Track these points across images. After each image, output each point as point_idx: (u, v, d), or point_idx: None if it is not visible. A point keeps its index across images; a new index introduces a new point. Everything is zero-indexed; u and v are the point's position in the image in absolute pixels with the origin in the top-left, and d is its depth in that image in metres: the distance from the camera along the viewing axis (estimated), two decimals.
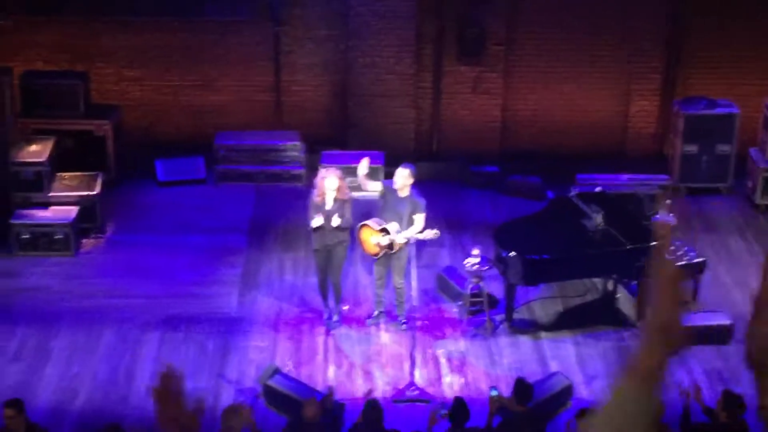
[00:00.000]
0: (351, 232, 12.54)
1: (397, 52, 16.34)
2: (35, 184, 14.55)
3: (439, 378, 11.87)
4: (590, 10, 16.53)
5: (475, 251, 12.45)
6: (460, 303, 12.93)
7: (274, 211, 15.56)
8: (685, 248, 13.42)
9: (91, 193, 14.62)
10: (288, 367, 11.86)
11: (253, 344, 12.44)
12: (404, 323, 12.55)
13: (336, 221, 12.10)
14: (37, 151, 14.78)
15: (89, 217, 14.57)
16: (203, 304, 13.21)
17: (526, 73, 16.86)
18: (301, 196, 14.82)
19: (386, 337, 12.59)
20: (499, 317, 12.83)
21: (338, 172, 12.34)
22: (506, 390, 10.55)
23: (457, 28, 16.40)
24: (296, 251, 14.41)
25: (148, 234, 14.83)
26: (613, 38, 16.64)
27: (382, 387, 11.66)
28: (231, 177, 16.27)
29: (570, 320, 12.98)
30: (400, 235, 12.04)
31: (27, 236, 14.09)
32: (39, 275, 13.76)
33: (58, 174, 14.93)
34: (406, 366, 11.77)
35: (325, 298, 12.74)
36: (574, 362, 12.17)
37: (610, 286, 13.29)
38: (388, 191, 12.28)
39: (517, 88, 16.92)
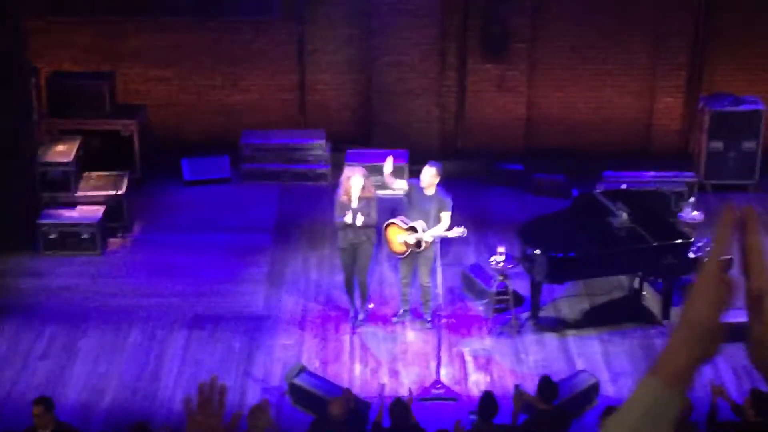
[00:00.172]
0: (377, 230, 12.55)
1: (421, 50, 16.34)
2: (62, 184, 14.64)
3: (464, 376, 11.87)
4: (614, 7, 16.49)
5: (501, 249, 12.43)
6: (485, 301, 12.92)
7: (299, 209, 15.59)
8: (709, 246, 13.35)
9: (117, 192, 14.69)
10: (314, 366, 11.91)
11: (279, 343, 12.48)
12: (429, 321, 12.55)
13: (362, 219, 12.11)
14: (64, 151, 14.86)
15: (116, 216, 14.64)
16: (229, 302, 13.26)
17: (550, 70, 16.84)
18: (326, 194, 14.88)
19: (412, 336, 12.60)
20: (524, 315, 12.82)
21: (363, 171, 12.36)
22: (531, 388, 10.54)
23: (482, 26, 16.38)
24: (321, 249, 14.45)
25: (174, 233, 14.89)
26: (638, 35, 16.60)
27: (407, 385, 11.67)
28: (256, 176, 16.32)
29: (596, 318, 12.95)
30: (427, 233, 12.04)
31: (54, 236, 14.18)
32: (66, 275, 13.83)
33: (85, 174, 15.02)
34: (432, 364, 11.78)
35: (350, 296, 12.76)
36: (601, 360, 12.14)
37: (636, 283, 13.25)
38: (414, 189, 12.28)
39: (541, 86, 16.89)
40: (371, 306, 13.01)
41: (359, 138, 16.77)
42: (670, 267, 12.40)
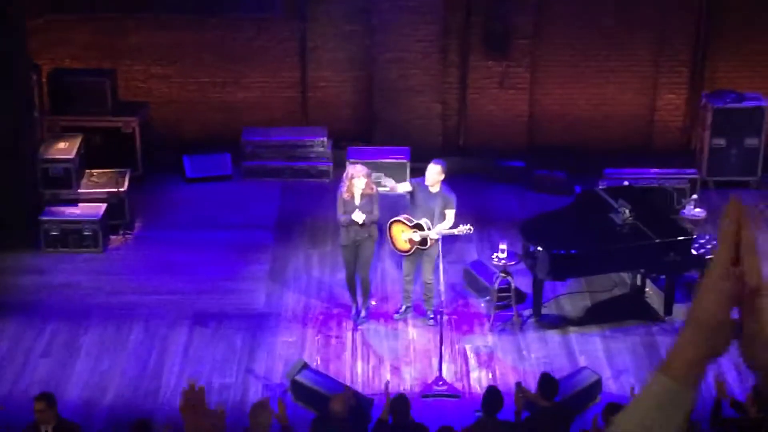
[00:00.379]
0: (379, 227, 12.55)
1: (423, 47, 16.33)
2: (64, 181, 14.64)
3: (467, 373, 11.86)
4: (617, 4, 16.47)
5: (503, 246, 12.42)
6: (487, 298, 12.91)
7: (300, 206, 15.58)
8: (714, 242, 13.35)
9: (119, 189, 14.69)
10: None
11: (281, 340, 12.47)
12: (432, 318, 12.55)
13: (364, 217, 12.10)
14: (66, 148, 14.86)
15: (117, 213, 14.64)
16: (231, 300, 13.25)
17: (552, 67, 16.82)
18: (328, 191, 14.87)
19: (414, 333, 12.60)
20: (526, 312, 12.81)
21: (365, 170, 12.34)
22: (533, 385, 10.52)
23: (484, 23, 16.37)
24: (323, 247, 14.44)
25: (175, 230, 14.88)
26: (641, 31, 16.58)
27: (410, 382, 11.67)
28: (258, 173, 16.31)
29: (598, 315, 12.94)
30: (432, 230, 12.03)
31: (56, 233, 14.18)
32: (68, 272, 13.83)
33: (87, 171, 15.02)
34: (434, 361, 11.77)
35: (353, 293, 12.75)
36: (603, 357, 12.13)
37: (638, 280, 13.24)
38: (418, 187, 12.27)
39: (543, 83, 16.88)
40: (373, 303, 13.00)
41: (361, 135, 16.76)
42: (673, 264, 12.39)
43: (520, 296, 12.89)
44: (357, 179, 12.13)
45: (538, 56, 16.68)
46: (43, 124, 15.49)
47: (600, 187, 14.07)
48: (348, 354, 12.21)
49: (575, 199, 14.06)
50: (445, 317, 12.15)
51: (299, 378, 11.37)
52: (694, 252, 12.82)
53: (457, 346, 12.30)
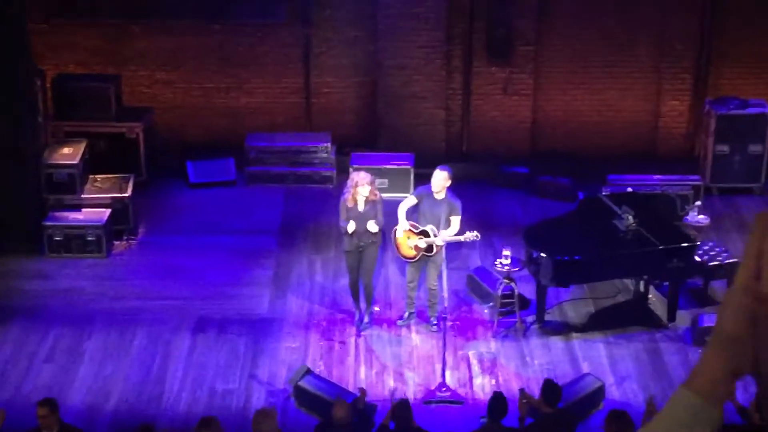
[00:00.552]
0: (383, 233, 12.56)
1: (426, 53, 16.34)
2: (68, 187, 14.64)
3: (470, 379, 11.86)
4: (620, 10, 16.46)
5: (506, 252, 12.42)
6: (491, 304, 12.91)
7: (304, 212, 15.59)
8: (718, 249, 13.36)
9: (123, 195, 14.70)
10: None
11: (285, 345, 12.47)
12: (435, 324, 12.54)
13: (370, 225, 12.10)
14: (70, 154, 14.87)
15: (121, 219, 14.65)
16: (234, 305, 13.26)
17: (556, 73, 16.82)
18: (331, 197, 14.87)
19: (417, 339, 12.60)
20: (530, 318, 12.80)
21: (369, 177, 12.33)
22: (537, 391, 10.52)
23: (487, 29, 16.37)
24: (327, 252, 14.44)
25: (179, 235, 14.89)
26: (644, 38, 16.58)
27: (413, 388, 11.67)
28: (261, 179, 16.31)
29: (601, 321, 12.93)
30: (438, 237, 12.03)
31: (60, 238, 14.19)
32: (71, 277, 13.84)
33: (91, 176, 15.03)
34: (437, 367, 11.77)
35: (356, 299, 12.75)
36: (606, 363, 12.13)
37: (641, 287, 13.23)
38: (423, 196, 12.25)
39: (547, 89, 16.88)
40: (377, 309, 13.00)
41: (364, 141, 16.76)
42: (676, 270, 12.39)
43: (524, 302, 12.89)
44: (362, 187, 12.13)
45: (541, 62, 16.68)
46: (47, 130, 15.48)
47: (603, 193, 14.07)
48: (351, 360, 12.21)
49: (578, 206, 14.05)
50: (449, 323, 12.15)
51: (302, 384, 11.37)
52: (697, 259, 12.82)
53: (460, 353, 12.30)
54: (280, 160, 16.33)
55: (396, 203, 13.21)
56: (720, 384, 2.26)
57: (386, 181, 15.55)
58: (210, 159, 16.39)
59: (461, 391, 11.60)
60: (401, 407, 9.85)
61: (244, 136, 16.44)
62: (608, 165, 15.74)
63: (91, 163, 15.09)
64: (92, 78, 16.14)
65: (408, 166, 15.83)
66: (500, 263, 12.42)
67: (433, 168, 12.45)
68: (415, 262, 12.35)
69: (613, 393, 11.56)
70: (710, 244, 13.49)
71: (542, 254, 12.16)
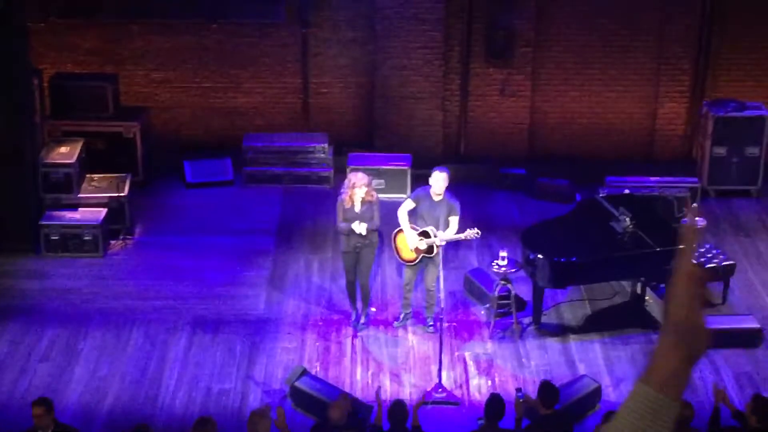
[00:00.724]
0: (380, 234, 12.54)
1: (425, 54, 16.33)
2: (64, 186, 14.63)
3: (466, 380, 11.85)
4: (619, 13, 16.47)
5: (503, 253, 12.41)
6: (487, 305, 12.90)
7: (301, 212, 15.58)
8: (715, 251, 13.36)
9: (119, 194, 14.68)
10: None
11: (281, 346, 12.46)
12: (431, 325, 12.54)
13: (364, 227, 12.08)
14: (67, 153, 14.85)
15: (118, 218, 14.64)
16: (231, 305, 13.24)
17: (554, 75, 16.82)
18: (329, 197, 14.87)
19: (414, 339, 12.59)
20: (526, 320, 12.80)
21: (367, 178, 12.31)
22: (533, 393, 10.52)
23: (486, 31, 16.37)
24: (324, 253, 14.44)
25: (176, 235, 14.88)
26: (642, 40, 16.58)
27: (409, 389, 11.66)
28: (259, 179, 16.31)
29: (598, 323, 12.93)
30: (439, 237, 12.02)
31: (56, 237, 14.18)
32: (68, 276, 13.82)
33: (88, 175, 15.02)
34: (434, 368, 11.76)
35: (353, 300, 12.75)
36: (602, 365, 12.12)
37: (638, 289, 13.23)
38: (421, 198, 12.22)
39: (545, 90, 16.87)
40: (373, 310, 13.00)
41: (362, 141, 16.76)
42: (673, 272, 12.35)
43: (520, 304, 12.88)
44: (358, 188, 12.12)
45: (539, 64, 16.68)
46: (45, 129, 15.48)
47: (601, 195, 14.06)
48: (347, 360, 12.20)
49: (576, 207, 14.06)
50: (445, 324, 12.14)
51: (298, 384, 11.36)
52: (694, 260, 12.80)
53: (456, 354, 12.29)
54: (277, 160, 16.32)
55: (393, 204, 13.22)
56: (677, 376, 2.29)
57: (383, 181, 15.55)
58: (207, 159, 16.39)
59: (457, 392, 11.59)
60: (397, 408, 9.83)
61: (242, 136, 16.44)
62: (606, 167, 15.74)
63: (88, 163, 15.08)
64: (90, 77, 16.13)
65: (405, 167, 15.83)
66: (497, 264, 12.42)
67: (430, 169, 12.43)
68: (415, 264, 12.33)
69: (610, 395, 11.56)
70: (707, 246, 13.49)
71: (539, 256, 12.15)
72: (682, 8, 16.33)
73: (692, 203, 14.48)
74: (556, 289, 12.84)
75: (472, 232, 11.95)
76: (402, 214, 12.23)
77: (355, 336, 12.61)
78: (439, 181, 12.09)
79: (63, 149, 14.94)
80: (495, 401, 9.92)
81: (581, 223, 13.14)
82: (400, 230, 12.30)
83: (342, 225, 12.22)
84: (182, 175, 16.28)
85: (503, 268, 12.36)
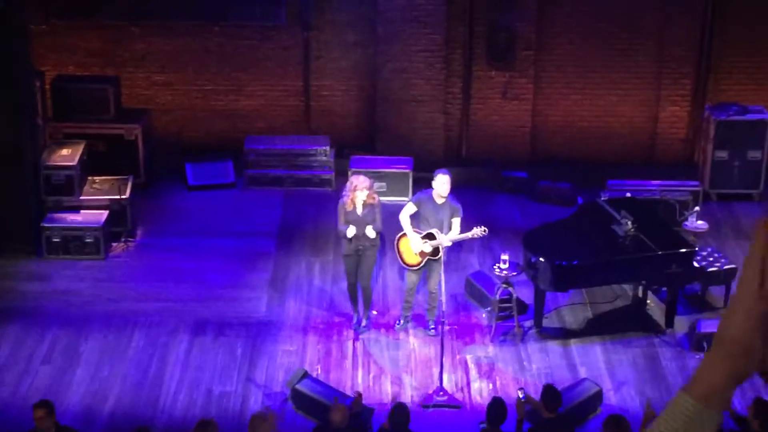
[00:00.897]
0: (381, 236, 12.53)
1: (426, 57, 16.33)
2: (66, 188, 14.63)
3: (467, 383, 11.84)
4: (620, 16, 16.46)
5: (505, 256, 12.41)
6: (489, 308, 12.90)
7: (303, 215, 15.58)
8: (717, 255, 13.35)
9: (121, 196, 14.68)
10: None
11: (282, 348, 12.45)
12: (433, 328, 12.53)
13: (368, 230, 12.08)
14: (68, 155, 14.86)
15: (119, 220, 14.64)
16: (232, 308, 13.24)
17: (556, 78, 16.82)
18: (330, 200, 14.86)
19: (415, 342, 12.58)
20: (528, 323, 12.79)
21: (368, 182, 12.30)
22: (534, 396, 10.50)
23: (487, 33, 16.37)
24: (325, 255, 14.43)
25: (177, 238, 14.87)
26: (644, 44, 16.58)
27: (410, 392, 11.65)
28: (260, 181, 16.30)
29: (599, 326, 12.92)
30: (445, 238, 12.02)
31: (58, 240, 14.17)
32: (69, 278, 13.82)
33: (89, 178, 15.02)
34: (435, 371, 11.75)
35: (354, 302, 12.74)
36: (604, 368, 12.12)
37: (639, 292, 13.22)
38: (423, 202, 12.21)
39: (546, 94, 16.87)
40: (374, 312, 12.99)
41: (364, 144, 16.75)
42: (674, 276, 12.38)
43: (522, 307, 12.88)
44: (359, 191, 12.11)
45: (541, 67, 16.68)
46: (46, 131, 15.49)
47: (602, 198, 14.06)
48: (349, 363, 12.19)
49: (578, 210, 14.06)
50: (447, 327, 12.13)
51: (300, 387, 11.35)
52: (695, 264, 12.81)
53: (458, 357, 12.29)
54: (279, 162, 16.32)
55: (394, 207, 13.21)
56: (721, 390, 2.26)
57: (385, 184, 15.55)
58: (209, 161, 16.39)
59: (459, 396, 11.58)
60: (399, 411, 9.82)
61: (243, 139, 16.43)
62: (608, 170, 15.73)
63: (90, 165, 15.08)
64: (91, 79, 16.13)
65: (407, 170, 15.82)
66: (499, 267, 12.42)
67: (431, 172, 12.41)
68: (419, 268, 12.31)
69: (611, 398, 11.55)
70: (708, 249, 13.48)
71: (541, 259, 12.15)
72: (684, 11, 16.33)
73: (699, 209, 14.43)
74: (557, 292, 12.84)
75: (479, 230, 11.96)
76: (404, 219, 12.22)
77: (356, 339, 12.61)
78: (444, 183, 12.08)
79: (64, 151, 14.95)
80: (497, 405, 9.91)
81: (583, 226, 13.14)
82: (403, 235, 12.28)
83: (343, 228, 12.21)
84: (184, 177, 16.27)
85: (505, 271, 12.36)
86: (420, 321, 12.79)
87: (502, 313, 12.69)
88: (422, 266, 12.25)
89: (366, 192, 12.14)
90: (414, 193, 13.40)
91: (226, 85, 16.92)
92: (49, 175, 14.63)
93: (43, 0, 16.22)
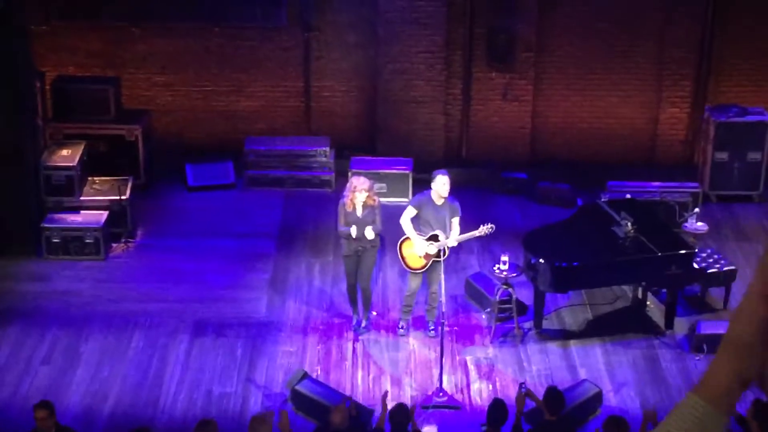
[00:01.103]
0: (381, 237, 12.53)
1: (427, 58, 16.34)
2: (66, 189, 14.64)
3: (467, 384, 11.85)
4: (621, 17, 16.47)
5: (505, 258, 12.42)
6: (488, 309, 12.90)
7: (303, 216, 15.58)
8: (717, 256, 13.35)
9: (121, 197, 14.68)
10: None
11: (282, 349, 12.46)
12: (433, 329, 12.53)
13: (368, 231, 12.08)
14: (68, 156, 14.87)
15: (119, 221, 14.64)
16: (232, 308, 13.24)
17: (556, 79, 16.82)
18: (330, 201, 14.87)
19: (415, 343, 12.58)
20: (527, 324, 12.80)
21: (368, 183, 12.29)
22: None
23: (488, 35, 16.38)
24: (325, 256, 14.44)
25: (177, 238, 14.88)
26: (645, 45, 16.58)
27: (410, 393, 11.65)
28: (260, 182, 16.31)
29: (599, 328, 12.92)
30: (450, 239, 12.02)
31: (58, 240, 14.18)
32: (69, 279, 13.82)
33: (89, 178, 15.03)
34: (435, 372, 11.75)
35: (354, 303, 12.74)
36: (603, 370, 12.12)
37: (639, 293, 13.23)
38: (423, 203, 12.20)
39: (547, 95, 16.88)
40: (374, 313, 12.99)
41: (364, 145, 16.76)
42: (674, 277, 12.39)
43: (522, 308, 12.88)
44: (359, 193, 12.11)
45: (541, 69, 16.69)
46: (46, 132, 15.50)
47: (602, 199, 14.06)
48: (348, 364, 12.19)
49: (578, 212, 14.07)
50: (446, 328, 12.13)
51: (299, 388, 11.36)
52: (695, 266, 12.82)
53: (457, 358, 12.29)
54: (279, 163, 16.33)
55: (394, 208, 13.22)
56: (728, 391, 2.27)
57: (385, 185, 15.56)
58: (209, 162, 16.40)
59: (458, 397, 11.59)
60: (398, 412, 9.82)
61: (244, 140, 16.44)
62: (608, 171, 15.74)
63: (90, 166, 15.09)
64: (92, 80, 16.14)
65: (407, 171, 15.82)
66: (498, 269, 12.42)
67: (431, 173, 12.38)
68: (422, 272, 12.30)
69: (611, 399, 11.56)
70: (708, 251, 13.48)
71: (541, 260, 12.16)
72: (684, 13, 16.33)
73: (698, 211, 14.45)
74: (557, 293, 12.85)
75: (485, 228, 11.97)
76: (406, 222, 12.20)
77: (356, 340, 12.61)
78: (445, 184, 12.08)
79: (65, 152, 14.96)
80: (497, 406, 9.91)
81: (583, 227, 13.14)
82: (406, 239, 12.25)
83: (343, 229, 12.22)
84: (184, 178, 16.28)
85: (504, 273, 12.36)
86: (420, 322, 12.79)
87: (501, 315, 12.69)
88: (427, 268, 12.23)
89: (365, 194, 12.14)
90: (413, 195, 13.39)
91: (226, 86, 16.93)
92: (49, 175, 14.64)
93: (43, 0, 16.23)
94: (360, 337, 12.64)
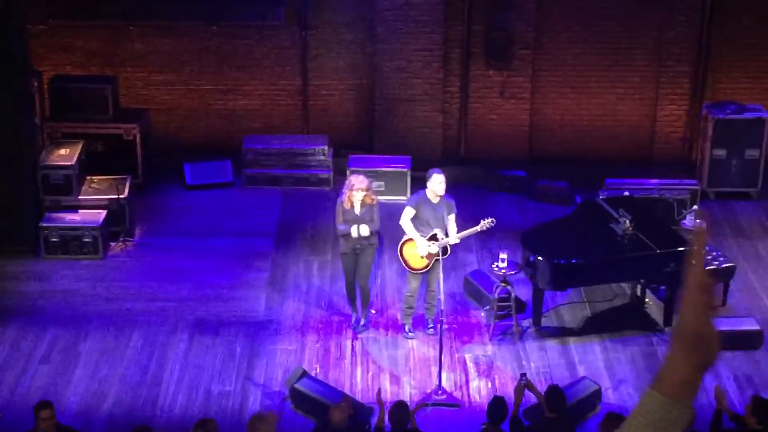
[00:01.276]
0: (379, 235, 12.53)
1: (424, 56, 16.34)
2: (64, 188, 14.64)
3: (466, 382, 11.85)
4: (619, 15, 16.47)
5: (503, 255, 12.41)
6: (487, 307, 12.90)
7: (301, 214, 15.58)
8: (715, 253, 13.36)
9: (119, 196, 14.68)
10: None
11: (281, 347, 12.46)
12: (431, 327, 12.53)
13: (364, 229, 12.07)
14: (66, 155, 14.86)
15: (118, 220, 14.64)
16: (231, 307, 13.25)
17: (553, 77, 16.82)
18: (329, 199, 14.88)
19: (413, 341, 12.58)
20: (526, 322, 12.80)
21: (366, 182, 12.29)
22: (533, 399, 10.50)
23: (485, 33, 16.38)
24: (323, 255, 14.44)
25: (176, 237, 14.88)
26: (642, 42, 16.58)
27: (409, 390, 11.66)
28: (258, 180, 16.31)
29: (598, 325, 12.93)
30: (452, 237, 12.03)
31: (56, 239, 14.17)
32: (68, 278, 13.82)
33: (87, 177, 15.03)
34: (434, 370, 11.76)
35: (352, 301, 12.74)
36: (602, 367, 12.13)
37: (638, 291, 13.23)
38: (420, 203, 12.20)
39: (544, 93, 16.88)
40: (373, 311, 13.00)
41: (362, 144, 16.76)
42: (673, 274, 12.38)
43: (520, 306, 12.89)
44: (356, 191, 12.11)
45: (539, 66, 16.69)
46: (44, 131, 15.50)
47: (601, 197, 14.07)
48: (347, 362, 12.20)
49: (576, 209, 14.07)
50: (445, 326, 12.13)
51: (298, 386, 11.36)
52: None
53: (456, 356, 12.30)
54: (277, 162, 16.33)
55: (393, 206, 13.22)
56: (688, 382, 2.30)
57: (383, 183, 15.56)
58: (207, 161, 16.39)
59: (457, 394, 11.59)
60: (398, 409, 9.83)
61: (242, 138, 16.44)
62: (606, 169, 15.75)
63: (88, 165, 15.09)
64: (89, 79, 16.13)
65: (405, 169, 15.83)
66: (497, 266, 12.42)
67: (432, 173, 12.38)
68: (423, 272, 12.30)
69: (610, 396, 11.56)
70: (706, 248, 13.46)
71: (539, 258, 12.16)
72: (682, 10, 16.33)
73: (697, 208, 14.45)
74: (555, 291, 12.85)
75: (486, 222, 11.99)
76: (406, 223, 12.18)
77: (354, 338, 12.62)
78: (441, 183, 12.09)
79: (63, 151, 14.95)
80: (497, 403, 9.91)
81: (581, 225, 13.15)
82: (407, 240, 12.24)
83: (341, 227, 12.22)
84: (182, 177, 16.28)
85: (503, 270, 12.37)
86: (419, 320, 12.79)
87: (500, 312, 12.69)
88: (430, 268, 12.23)
89: (363, 192, 12.13)
90: (411, 194, 13.39)
91: (224, 85, 16.92)
92: (47, 174, 14.63)
93: (41, 0, 16.22)
94: (359, 335, 12.65)
